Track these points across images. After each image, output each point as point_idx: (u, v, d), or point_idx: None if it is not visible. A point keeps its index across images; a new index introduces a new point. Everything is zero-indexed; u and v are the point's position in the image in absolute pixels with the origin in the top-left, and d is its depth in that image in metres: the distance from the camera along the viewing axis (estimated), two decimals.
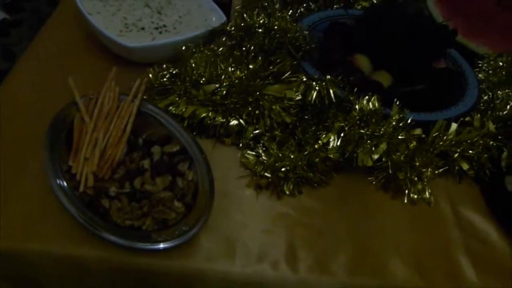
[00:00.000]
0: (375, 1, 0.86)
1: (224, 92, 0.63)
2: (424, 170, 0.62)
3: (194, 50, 0.67)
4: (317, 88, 0.60)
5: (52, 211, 0.52)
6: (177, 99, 0.65)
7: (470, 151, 0.63)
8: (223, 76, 0.64)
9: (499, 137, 0.67)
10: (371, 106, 0.60)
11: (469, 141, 0.64)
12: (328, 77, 0.61)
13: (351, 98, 0.61)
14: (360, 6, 0.87)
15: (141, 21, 0.72)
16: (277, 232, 0.55)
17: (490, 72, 0.76)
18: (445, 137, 0.63)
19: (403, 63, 0.70)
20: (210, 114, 0.63)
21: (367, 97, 0.61)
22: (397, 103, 0.61)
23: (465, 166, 0.63)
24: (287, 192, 0.58)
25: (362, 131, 0.60)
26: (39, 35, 0.78)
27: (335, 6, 0.84)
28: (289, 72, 0.63)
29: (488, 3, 0.88)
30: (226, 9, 0.81)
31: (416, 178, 0.62)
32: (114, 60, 0.72)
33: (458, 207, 0.62)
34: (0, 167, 0.57)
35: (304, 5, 0.84)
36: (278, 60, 0.64)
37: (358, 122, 0.60)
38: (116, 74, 0.65)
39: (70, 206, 0.50)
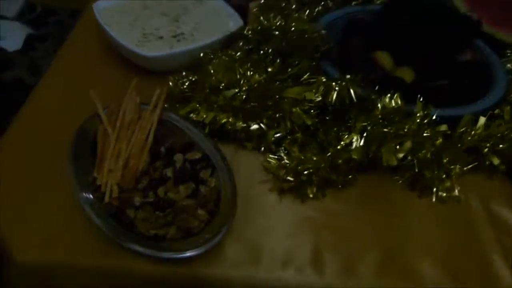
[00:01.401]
0: None
1: (244, 96, 0.63)
2: (452, 167, 0.60)
3: (212, 56, 0.67)
4: (337, 88, 0.59)
5: (77, 223, 0.53)
6: (197, 105, 0.65)
7: (501, 145, 0.61)
8: (242, 81, 0.64)
9: None
10: (393, 104, 0.59)
11: (499, 135, 0.62)
12: (348, 76, 0.60)
13: (373, 97, 0.60)
14: (379, 1, 0.85)
15: (159, 30, 0.73)
16: (302, 236, 0.54)
17: None
18: (473, 132, 0.61)
19: (426, 58, 0.68)
20: (230, 120, 0.62)
21: (389, 94, 0.60)
22: (421, 99, 0.60)
23: (496, 161, 0.61)
24: (311, 195, 0.58)
25: (385, 130, 0.58)
26: (62, 49, 0.80)
27: (353, 3, 0.83)
28: (307, 74, 0.62)
29: None
30: (243, 12, 0.81)
31: (444, 176, 0.60)
32: (135, 70, 0.72)
33: (489, 204, 0.60)
34: (26, 179, 0.58)
35: (322, 3, 0.83)
36: (296, 62, 0.64)
37: (380, 121, 0.59)
38: (137, 84, 0.66)
39: (95, 218, 0.51)
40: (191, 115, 0.65)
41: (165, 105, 0.65)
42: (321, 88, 0.60)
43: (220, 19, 0.77)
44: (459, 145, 0.60)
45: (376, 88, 0.60)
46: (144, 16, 0.76)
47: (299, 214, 0.57)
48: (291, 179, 0.57)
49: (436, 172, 0.59)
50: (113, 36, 0.69)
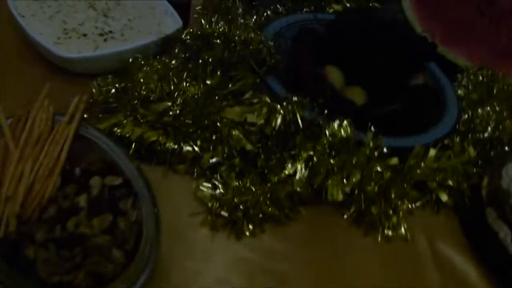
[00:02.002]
0: (348, 5, 0.79)
1: (178, 111, 0.55)
2: (399, 202, 0.56)
3: (142, 62, 0.58)
4: (282, 112, 0.53)
5: None
6: (123, 119, 0.57)
7: (450, 181, 0.58)
8: (176, 93, 0.56)
9: (479, 162, 0.61)
10: (343, 133, 0.53)
11: (448, 169, 0.58)
12: (295, 98, 0.54)
13: (321, 122, 0.54)
14: (332, 10, 0.80)
15: (84, 26, 0.62)
16: (235, 281, 0.48)
17: (470, 87, 0.70)
18: (422, 165, 0.57)
19: (378, 78, 0.63)
20: (160, 138, 0.55)
21: (338, 121, 0.54)
22: (372, 128, 0.54)
23: (444, 198, 0.58)
24: (247, 233, 0.51)
25: (332, 161, 0.53)
26: None
27: (305, 10, 0.77)
28: (250, 92, 0.55)
29: (468, 9, 0.82)
30: (184, 11, 0.72)
31: (391, 212, 0.56)
32: (53, 71, 0.62)
33: (435, 242, 0.56)
34: None
35: (271, 7, 0.76)
36: (239, 77, 0.56)
37: (327, 150, 0.53)
38: (53, 88, 0.56)
39: None
40: (115, 129, 0.56)
41: (85, 116, 0.56)
42: (264, 110, 0.53)
43: (156, 17, 0.68)
44: (408, 178, 0.56)
45: (325, 112, 0.55)
46: (67, 7, 0.65)
47: (233, 255, 0.50)
48: (225, 214, 0.50)
49: (383, 208, 0.55)
50: (26, 31, 0.58)
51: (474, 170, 0.60)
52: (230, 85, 0.56)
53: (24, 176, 0.48)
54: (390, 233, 0.55)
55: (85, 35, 0.61)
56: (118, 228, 0.47)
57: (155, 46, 0.62)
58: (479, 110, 0.67)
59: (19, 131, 0.52)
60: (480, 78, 0.72)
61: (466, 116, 0.66)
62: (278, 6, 0.75)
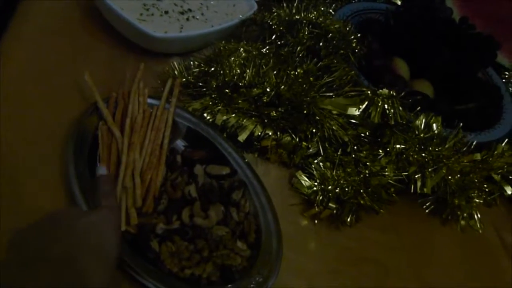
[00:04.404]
0: None
1: (268, 99, 0.55)
2: (473, 195, 0.59)
3: (234, 46, 0.56)
4: (383, 105, 0.53)
5: None
6: (210, 103, 0.55)
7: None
8: (265, 81, 0.55)
9: None
10: (434, 129, 0.55)
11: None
12: (393, 93, 0.55)
13: (412, 117, 0.56)
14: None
15: (163, 2, 0.59)
16: (344, 271, 0.49)
17: None
18: (490, 159, 0.61)
19: (448, 74, 0.65)
20: (258, 126, 0.54)
21: (427, 117, 0.56)
22: (460, 124, 0.57)
23: (510, 190, 0.62)
24: (349, 224, 0.52)
25: (423, 154, 0.55)
26: (25, 4, 0.60)
27: None
28: (349, 85, 0.55)
29: (508, 7, 0.86)
30: None
31: (464, 203, 0.59)
32: (129, 49, 0.58)
33: (500, 232, 0.61)
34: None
35: None
36: (335, 68, 0.56)
37: (418, 145, 0.55)
38: (131, 67, 0.54)
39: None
40: (205, 115, 0.54)
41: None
42: (365, 102, 0.54)
43: None
44: (483, 172, 0.59)
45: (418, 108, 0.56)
46: None
47: (337, 245, 0.51)
48: (333, 205, 0.51)
49: (462, 200, 0.58)
50: (111, 6, 0.54)
51: None
52: (325, 76, 0.56)
53: (136, 165, 0.46)
54: (462, 222, 0.58)
55: (166, 12, 0.58)
56: (232, 219, 0.47)
57: (235, 28, 0.60)
58: None
59: (119, 115, 0.49)
60: None
61: None
62: None
